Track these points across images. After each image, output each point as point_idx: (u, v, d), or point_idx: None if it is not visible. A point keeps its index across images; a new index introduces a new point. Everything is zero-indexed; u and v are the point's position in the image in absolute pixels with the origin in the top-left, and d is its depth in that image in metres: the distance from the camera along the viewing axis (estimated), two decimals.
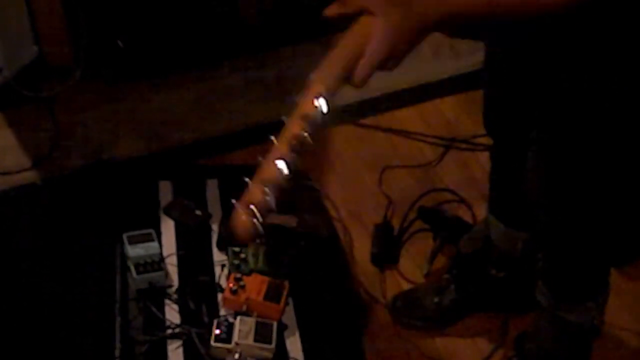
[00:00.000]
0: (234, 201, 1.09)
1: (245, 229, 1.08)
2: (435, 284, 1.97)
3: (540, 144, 1.48)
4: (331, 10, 1.18)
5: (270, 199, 1.07)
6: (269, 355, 1.79)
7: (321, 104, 1.11)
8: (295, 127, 1.10)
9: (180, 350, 1.83)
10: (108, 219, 2.11)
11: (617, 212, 1.56)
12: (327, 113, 1.11)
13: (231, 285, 1.89)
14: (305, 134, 1.09)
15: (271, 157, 1.09)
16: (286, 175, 1.08)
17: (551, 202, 1.53)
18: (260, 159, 1.10)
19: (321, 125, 1.11)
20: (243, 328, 1.80)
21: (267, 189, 1.07)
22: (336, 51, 1.14)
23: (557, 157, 1.46)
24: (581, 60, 1.31)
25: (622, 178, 1.49)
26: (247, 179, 1.09)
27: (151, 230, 2.02)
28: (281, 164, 1.08)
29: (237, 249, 1.99)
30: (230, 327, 1.81)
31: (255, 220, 1.07)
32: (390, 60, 1.13)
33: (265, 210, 1.07)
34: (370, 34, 1.12)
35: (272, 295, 1.88)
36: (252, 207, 1.07)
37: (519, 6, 1.15)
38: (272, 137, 1.11)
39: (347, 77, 1.13)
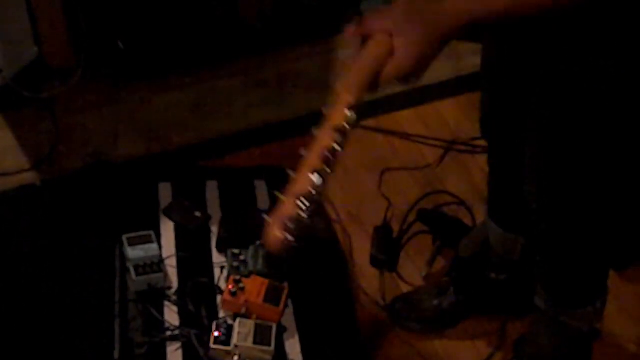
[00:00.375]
0: (265, 216, 1.08)
1: (278, 243, 1.07)
2: (435, 286, 1.97)
3: (537, 146, 1.48)
4: (350, 32, 1.20)
5: (304, 214, 1.06)
6: (269, 357, 1.79)
7: (351, 114, 1.11)
8: (326, 139, 1.10)
9: (180, 352, 1.83)
10: (108, 221, 2.11)
11: (616, 215, 1.56)
12: (356, 123, 1.11)
13: (230, 287, 1.89)
14: (337, 146, 1.09)
15: (304, 170, 1.09)
16: (321, 188, 1.07)
17: (548, 206, 1.53)
18: (291, 173, 1.10)
19: (349, 136, 1.11)
20: (242, 330, 1.80)
21: (300, 203, 1.06)
22: (359, 63, 1.15)
23: (554, 160, 1.45)
24: (580, 60, 1.31)
25: (620, 180, 1.49)
26: (279, 194, 1.08)
27: (151, 232, 2.02)
28: (314, 177, 1.08)
29: (236, 251, 1.99)
30: (229, 329, 1.81)
31: (288, 234, 1.06)
32: (412, 75, 1.16)
33: (298, 224, 1.06)
34: (392, 51, 1.14)
35: (272, 297, 1.88)
36: (286, 223, 1.06)
37: (536, 4, 1.16)
38: (303, 151, 1.10)
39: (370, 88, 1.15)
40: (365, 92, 1.14)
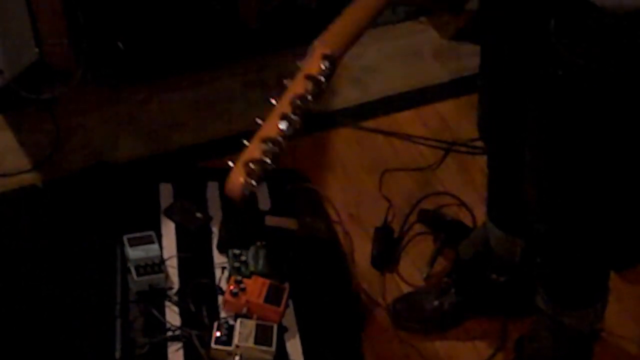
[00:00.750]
0: (230, 162, 1.05)
1: (238, 188, 1.03)
2: (435, 287, 1.97)
3: (537, 147, 1.48)
4: None
5: (269, 159, 1.03)
6: (269, 357, 1.80)
7: (326, 65, 1.09)
8: (298, 87, 1.08)
9: (181, 352, 1.83)
10: (108, 221, 2.11)
11: (616, 216, 1.56)
12: (332, 75, 1.10)
13: (231, 287, 1.89)
14: (309, 96, 1.07)
15: (272, 116, 1.06)
16: (287, 134, 1.05)
17: (548, 208, 1.53)
18: (259, 120, 1.07)
19: (324, 89, 1.09)
20: (243, 330, 1.81)
21: (266, 147, 1.04)
22: (343, 15, 1.13)
23: (554, 161, 1.45)
24: (579, 61, 1.31)
25: (620, 181, 1.48)
26: (245, 141, 1.05)
27: (152, 233, 2.02)
28: (282, 123, 1.05)
29: (237, 252, 1.99)
30: (230, 329, 1.81)
31: (250, 180, 1.02)
32: None
33: (262, 170, 1.03)
34: None
35: (273, 297, 1.89)
36: (249, 165, 1.03)
37: None
38: (273, 100, 1.08)
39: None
40: (345, 43, 1.12)
